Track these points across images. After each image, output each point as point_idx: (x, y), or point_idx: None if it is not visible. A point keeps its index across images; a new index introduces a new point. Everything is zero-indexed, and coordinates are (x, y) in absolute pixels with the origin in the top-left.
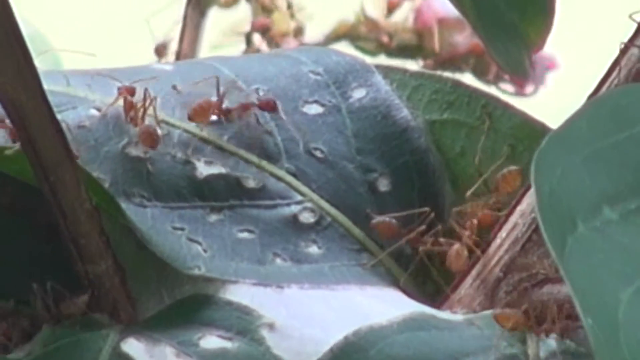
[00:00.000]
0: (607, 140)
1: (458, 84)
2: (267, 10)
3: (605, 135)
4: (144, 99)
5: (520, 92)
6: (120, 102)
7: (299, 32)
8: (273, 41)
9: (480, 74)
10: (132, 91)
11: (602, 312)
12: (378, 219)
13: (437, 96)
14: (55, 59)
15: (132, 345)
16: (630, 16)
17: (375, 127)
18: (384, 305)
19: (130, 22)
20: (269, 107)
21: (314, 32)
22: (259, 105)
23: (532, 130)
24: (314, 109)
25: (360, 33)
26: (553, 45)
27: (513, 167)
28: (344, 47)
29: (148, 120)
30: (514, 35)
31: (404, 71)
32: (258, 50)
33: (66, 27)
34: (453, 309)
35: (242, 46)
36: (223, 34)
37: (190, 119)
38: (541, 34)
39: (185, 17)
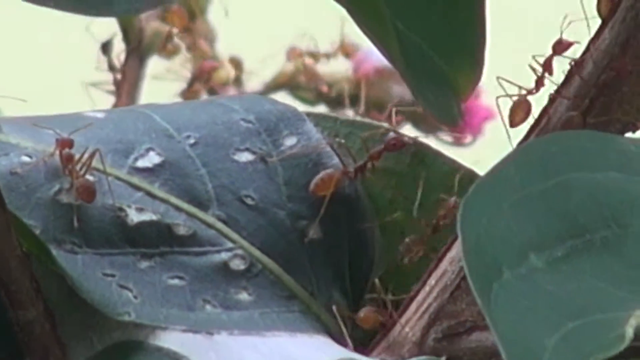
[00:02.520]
0: (534, 187)
1: (389, 131)
2: (207, 60)
3: (533, 182)
4: (84, 155)
5: (458, 142)
6: (62, 157)
7: (238, 81)
8: (213, 89)
9: (417, 123)
10: (69, 144)
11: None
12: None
13: (368, 144)
14: None
15: None
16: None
17: (307, 175)
18: (314, 351)
19: (64, 67)
20: None
21: (253, 81)
22: None
23: (462, 177)
24: (245, 157)
25: (300, 82)
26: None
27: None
28: (284, 97)
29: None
30: (443, 84)
31: (335, 119)
32: (198, 91)
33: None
34: (382, 356)
35: (181, 84)
36: (166, 70)
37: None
38: (470, 82)
39: (124, 65)
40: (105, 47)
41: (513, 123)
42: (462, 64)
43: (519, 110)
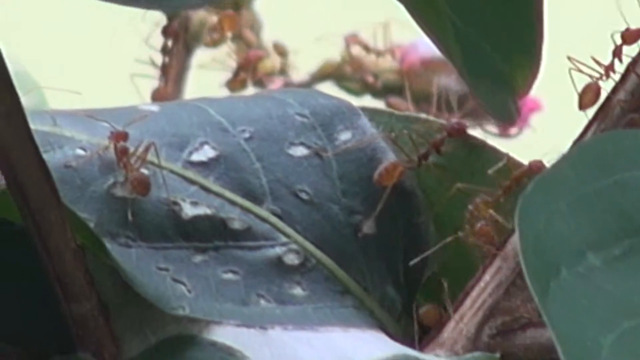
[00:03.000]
0: (592, 186)
1: (444, 127)
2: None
3: (591, 181)
4: (139, 148)
5: (504, 134)
6: (116, 150)
7: (284, 71)
8: (259, 79)
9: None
10: (124, 136)
11: (584, 358)
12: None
13: (423, 139)
14: (40, 96)
15: None
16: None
17: (361, 170)
18: (367, 347)
19: (116, 59)
20: None
21: (299, 72)
22: None
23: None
24: (299, 151)
25: (345, 73)
26: (538, 87)
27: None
28: (329, 87)
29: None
30: (500, 81)
31: (390, 114)
32: (244, 80)
33: (50, 65)
34: (436, 352)
35: (227, 73)
36: (212, 60)
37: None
38: (528, 79)
39: (170, 56)
40: (166, 30)
41: (582, 105)
42: (520, 60)
43: (589, 92)
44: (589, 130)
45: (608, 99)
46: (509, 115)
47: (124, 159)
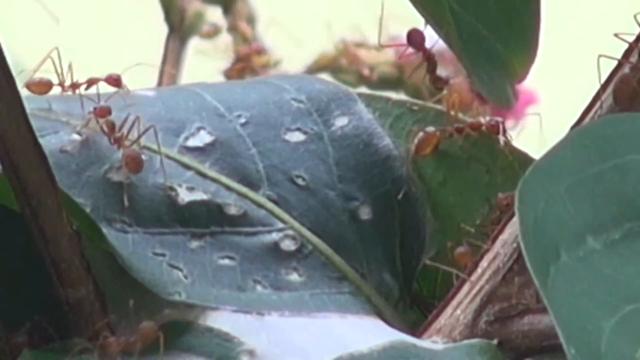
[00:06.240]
0: (591, 170)
1: (441, 113)
2: (248, 41)
3: (590, 165)
4: (126, 121)
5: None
6: (102, 126)
7: (279, 63)
8: (254, 72)
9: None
10: (106, 111)
11: (585, 342)
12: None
13: (420, 125)
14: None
15: None
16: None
17: (357, 156)
18: (364, 333)
19: (110, 49)
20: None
21: (294, 64)
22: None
23: (515, 159)
24: (295, 137)
25: (341, 65)
26: (536, 79)
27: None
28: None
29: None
30: (498, 66)
31: (387, 99)
32: (241, 70)
33: (41, 50)
34: (433, 338)
35: (224, 62)
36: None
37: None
38: (525, 64)
39: (166, 47)
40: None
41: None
42: (517, 45)
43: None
44: (587, 115)
45: (603, 86)
46: (507, 100)
47: (114, 134)
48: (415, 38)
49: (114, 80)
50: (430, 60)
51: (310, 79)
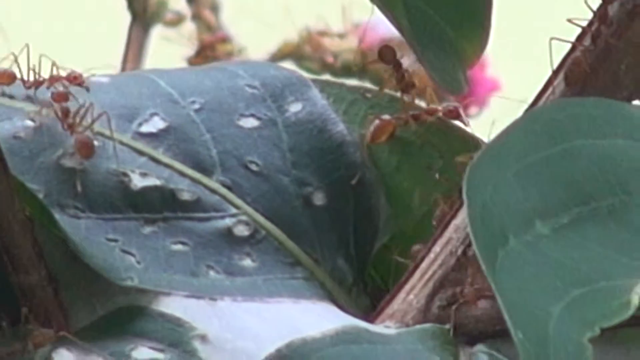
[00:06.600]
0: (539, 154)
1: (395, 99)
2: (212, 30)
3: (538, 149)
4: (81, 107)
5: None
6: (57, 111)
7: (243, 51)
8: (218, 59)
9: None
10: (64, 97)
11: (533, 327)
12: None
13: (374, 110)
14: None
15: (63, 356)
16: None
17: (311, 141)
18: (317, 318)
19: (73, 36)
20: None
21: (258, 51)
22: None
23: (468, 145)
24: (249, 123)
25: (304, 53)
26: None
27: None
28: (289, 67)
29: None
30: (449, 51)
31: (341, 85)
32: (206, 58)
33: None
34: (386, 323)
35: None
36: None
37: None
38: (477, 49)
39: (129, 34)
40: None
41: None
42: (469, 29)
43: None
44: (540, 100)
45: (555, 71)
46: (459, 86)
47: (67, 120)
48: (386, 54)
49: (75, 79)
50: (399, 72)
51: (264, 65)
